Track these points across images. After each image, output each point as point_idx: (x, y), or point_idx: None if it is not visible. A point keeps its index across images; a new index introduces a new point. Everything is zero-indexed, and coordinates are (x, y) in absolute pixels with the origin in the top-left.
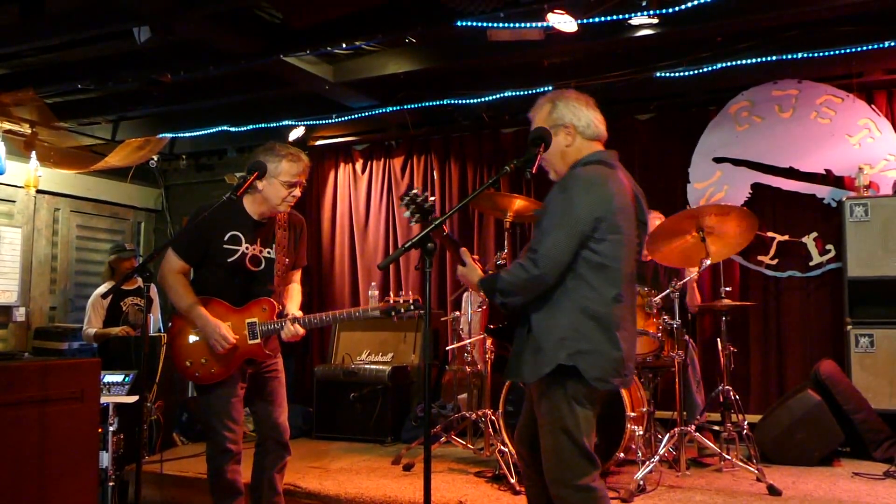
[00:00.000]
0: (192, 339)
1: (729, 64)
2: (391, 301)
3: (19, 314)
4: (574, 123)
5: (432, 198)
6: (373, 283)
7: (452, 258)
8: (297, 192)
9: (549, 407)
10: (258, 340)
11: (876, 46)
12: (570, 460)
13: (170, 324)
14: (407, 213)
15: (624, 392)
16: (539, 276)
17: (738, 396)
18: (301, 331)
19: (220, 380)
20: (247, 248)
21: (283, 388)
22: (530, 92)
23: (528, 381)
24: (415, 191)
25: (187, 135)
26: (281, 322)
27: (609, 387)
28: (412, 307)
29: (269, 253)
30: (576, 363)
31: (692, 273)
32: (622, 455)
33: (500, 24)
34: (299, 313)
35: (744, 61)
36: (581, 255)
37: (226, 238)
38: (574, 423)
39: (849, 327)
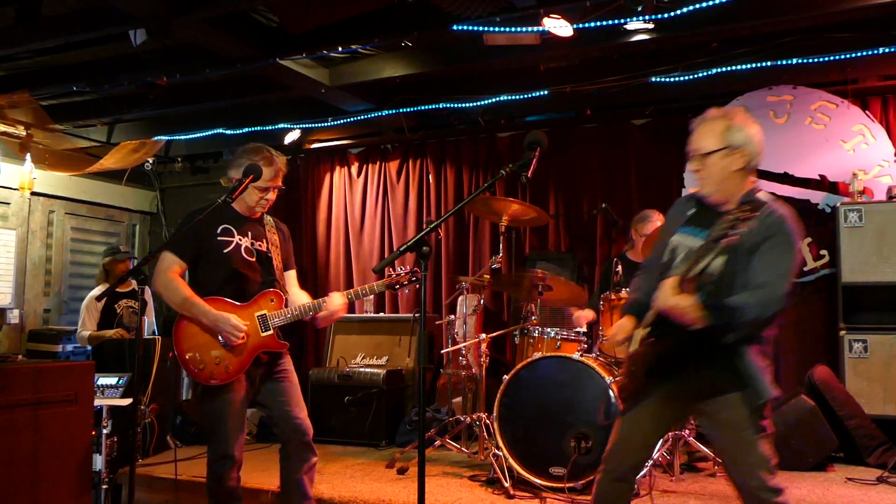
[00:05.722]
0: (201, 340)
1: (724, 69)
2: (393, 275)
3: (13, 316)
4: (751, 153)
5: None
6: None
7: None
8: (271, 195)
9: (756, 418)
10: (271, 332)
11: (870, 53)
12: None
13: (173, 330)
14: None
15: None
16: (777, 314)
17: None
18: (342, 301)
19: (236, 377)
20: (240, 240)
21: (297, 388)
22: (526, 96)
23: (769, 398)
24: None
25: (183, 137)
26: (291, 310)
27: None
28: (413, 278)
29: (261, 246)
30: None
31: None
32: None
33: (496, 29)
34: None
35: (739, 67)
36: None
37: (218, 231)
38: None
39: (843, 333)
